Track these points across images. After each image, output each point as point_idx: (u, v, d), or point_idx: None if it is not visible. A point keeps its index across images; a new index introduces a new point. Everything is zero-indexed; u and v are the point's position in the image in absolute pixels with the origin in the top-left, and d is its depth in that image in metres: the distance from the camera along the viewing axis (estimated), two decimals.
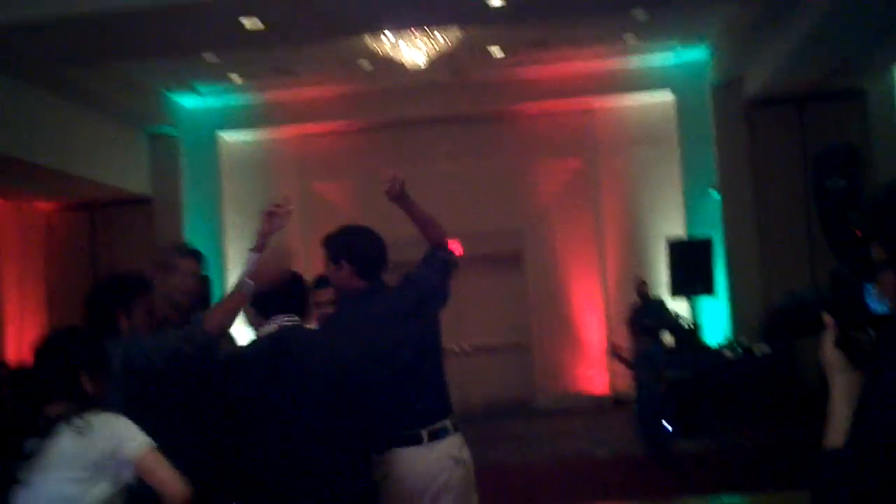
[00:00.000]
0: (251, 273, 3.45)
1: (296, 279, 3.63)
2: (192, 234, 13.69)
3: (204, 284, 4.40)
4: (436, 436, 3.60)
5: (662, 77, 13.39)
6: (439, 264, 3.93)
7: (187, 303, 4.04)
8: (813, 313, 2.00)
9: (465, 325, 12.54)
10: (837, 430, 1.84)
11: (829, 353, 1.95)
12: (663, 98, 13.51)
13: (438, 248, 4.00)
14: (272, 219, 3.78)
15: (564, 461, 10.03)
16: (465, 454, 3.70)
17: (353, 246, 3.79)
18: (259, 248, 3.67)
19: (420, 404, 3.62)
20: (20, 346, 13.06)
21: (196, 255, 4.26)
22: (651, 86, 13.50)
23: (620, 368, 11.84)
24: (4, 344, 12.79)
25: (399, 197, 3.99)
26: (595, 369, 13.54)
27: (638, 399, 9.51)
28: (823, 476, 1.79)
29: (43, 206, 13.94)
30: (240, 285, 3.48)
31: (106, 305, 3.80)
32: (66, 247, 13.93)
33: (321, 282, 4.34)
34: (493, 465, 9.53)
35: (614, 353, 9.52)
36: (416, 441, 3.57)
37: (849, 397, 1.87)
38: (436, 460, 3.57)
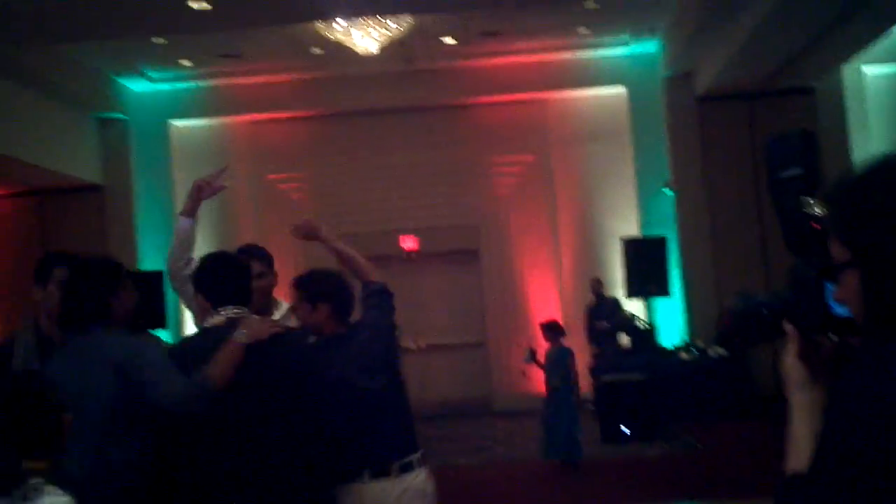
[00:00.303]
0: (248, 335, 3.37)
1: (242, 269, 3.63)
2: (144, 223, 13.44)
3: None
4: (404, 469, 3.65)
5: (615, 71, 13.37)
6: (377, 300, 3.91)
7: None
8: (769, 319, 1.81)
9: (420, 322, 12.40)
10: (799, 454, 1.65)
11: (790, 367, 1.75)
12: (616, 92, 13.48)
13: (369, 283, 3.94)
14: (201, 192, 4.17)
15: (519, 463, 9.92)
16: (431, 487, 3.77)
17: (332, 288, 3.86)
18: (188, 212, 4.13)
19: (390, 438, 3.68)
20: None
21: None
22: (604, 80, 13.48)
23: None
24: None
25: (310, 237, 4.02)
26: None
27: (546, 404, 9.25)
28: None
29: None
30: (236, 337, 3.36)
31: (99, 293, 3.52)
32: (14, 235, 13.60)
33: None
34: (450, 468, 9.42)
35: (531, 356, 9.28)
36: (385, 474, 3.61)
37: (810, 417, 1.69)
38: (403, 493, 3.62)
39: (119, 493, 3.29)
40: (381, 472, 3.60)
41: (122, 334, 3.49)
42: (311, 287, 3.78)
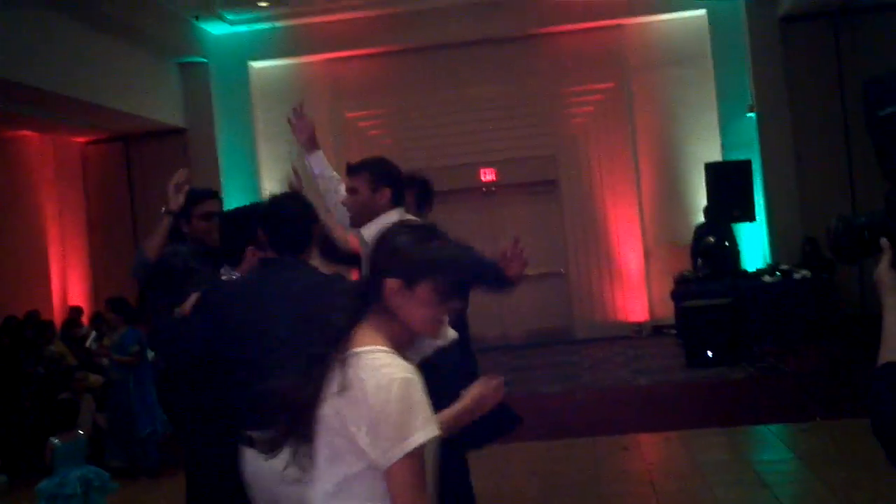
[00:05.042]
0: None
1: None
2: (227, 164, 13.73)
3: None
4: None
5: None
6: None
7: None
8: (868, 237, 2.05)
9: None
10: (891, 347, 1.91)
11: (884, 273, 1.99)
12: (696, 15, 13.24)
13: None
14: (299, 123, 4.61)
15: (605, 390, 10.04)
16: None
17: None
18: (309, 146, 4.62)
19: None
20: (63, 281, 13.22)
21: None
22: (684, 3, 13.24)
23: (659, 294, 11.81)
24: (49, 277, 12.94)
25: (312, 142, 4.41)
26: (633, 296, 13.49)
27: None
28: (881, 389, 1.86)
29: (78, 139, 13.99)
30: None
31: (238, 240, 3.91)
32: (102, 179, 14.03)
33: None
34: (533, 395, 9.57)
35: None
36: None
37: None
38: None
39: None
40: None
41: None
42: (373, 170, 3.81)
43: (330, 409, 2.07)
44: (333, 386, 2.06)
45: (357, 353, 2.08)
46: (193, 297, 3.59)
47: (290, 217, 3.46)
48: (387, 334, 2.13)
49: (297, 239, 3.45)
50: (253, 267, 3.63)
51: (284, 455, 2.57)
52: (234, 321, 3.32)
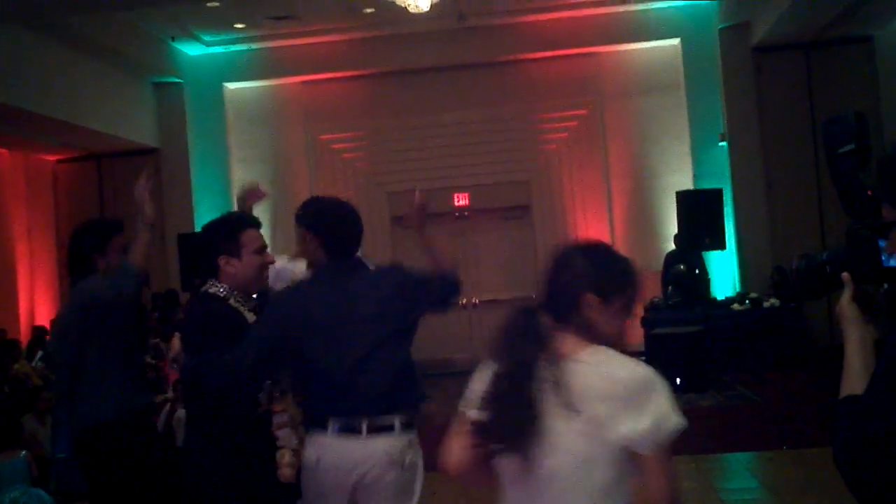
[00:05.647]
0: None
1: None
2: (199, 184, 13.68)
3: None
4: (375, 430, 3.38)
5: (669, 23, 13.25)
6: (437, 287, 3.65)
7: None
8: (830, 273, 2.10)
9: (473, 278, 12.50)
10: (853, 379, 1.95)
11: (846, 306, 2.03)
12: (669, 44, 13.39)
13: (446, 275, 3.66)
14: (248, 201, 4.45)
15: None
16: (409, 458, 3.44)
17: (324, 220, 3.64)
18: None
19: (367, 393, 3.40)
20: (31, 298, 13.10)
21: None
22: (658, 33, 13.38)
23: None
24: (16, 295, 12.82)
25: (421, 224, 3.74)
26: None
27: None
28: (842, 422, 1.88)
29: (49, 157, 13.90)
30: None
31: (85, 250, 4.31)
32: (73, 198, 13.93)
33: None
34: None
35: None
36: (354, 431, 3.37)
37: (863, 349, 1.99)
38: (369, 456, 3.37)
39: None
40: (348, 429, 3.37)
41: None
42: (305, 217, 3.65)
43: (568, 418, 2.15)
44: (560, 393, 2.16)
45: (586, 356, 2.22)
46: (177, 340, 3.90)
47: (348, 220, 3.59)
48: (588, 342, 2.27)
49: (355, 241, 3.61)
50: (318, 271, 3.63)
51: (403, 438, 3.39)
52: (329, 321, 3.43)
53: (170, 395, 8.58)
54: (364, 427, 3.36)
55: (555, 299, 2.36)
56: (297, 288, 3.71)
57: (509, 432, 2.18)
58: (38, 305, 13.23)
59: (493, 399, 2.23)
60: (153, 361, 9.08)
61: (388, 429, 3.39)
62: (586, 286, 2.30)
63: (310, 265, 3.82)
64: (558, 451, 2.15)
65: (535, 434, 2.15)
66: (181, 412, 7.75)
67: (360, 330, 3.43)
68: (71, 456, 7.57)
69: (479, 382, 2.34)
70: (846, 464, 1.84)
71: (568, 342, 2.26)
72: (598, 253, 2.39)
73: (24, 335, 11.95)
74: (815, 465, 6.86)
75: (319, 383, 3.45)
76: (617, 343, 2.31)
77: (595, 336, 2.27)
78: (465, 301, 12.42)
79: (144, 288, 4.46)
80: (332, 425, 3.38)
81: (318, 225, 3.55)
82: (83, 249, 4.34)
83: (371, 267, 3.71)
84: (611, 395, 2.14)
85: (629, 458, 2.14)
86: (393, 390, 3.45)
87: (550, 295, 2.38)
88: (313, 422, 3.46)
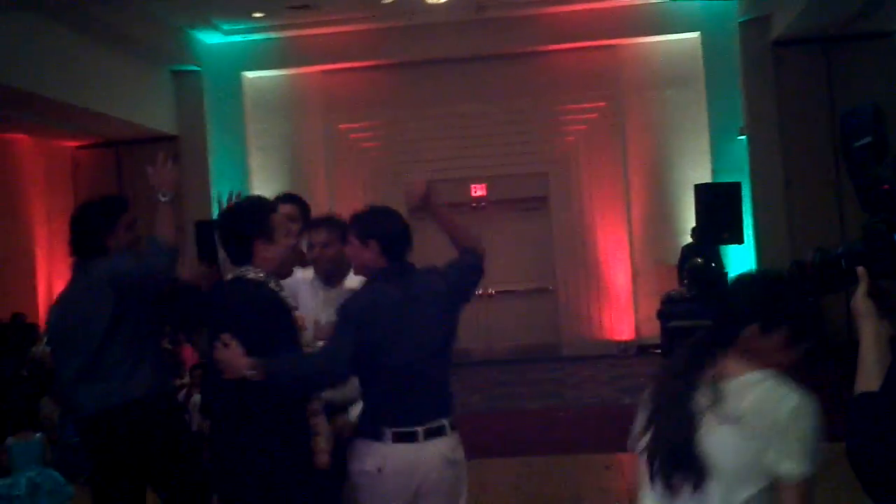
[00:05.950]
0: None
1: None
2: (218, 172, 13.73)
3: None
4: (432, 434, 3.50)
5: (688, 17, 13.18)
6: (466, 268, 3.87)
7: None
8: (846, 268, 2.10)
9: (490, 269, 12.46)
10: (867, 376, 1.95)
11: (861, 302, 2.03)
12: (689, 38, 13.32)
13: (466, 251, 3.90)
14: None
15: (589, 407, 10.03)
16: (459, 455, 3.61)
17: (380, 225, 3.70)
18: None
19: (422, 398, 3.53)
20: (49, 283, 13.19)
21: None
22: (677, 26, 13.31)
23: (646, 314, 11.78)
24: (35, 280, 12.90)
25: (423, 207, 3.86)
26: (620, 315, 13.52)
27: None
28: (856, 419, 1.90)
29: (69, 143, 13.97)
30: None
31: (93, 229, 4.18)
32: (92, 184, 13.96)
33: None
34: (517, 411, 9.56)
35: None
36: (411, 438, 3.47)
37: (877, 344, 1.99)
38: (428, 459, 3.48)
39: None
40: (407, 437, 3.47)
41: None
42: (359, 224, 3.69)
43: (727, 435, 2.21)
44: (719, 409, 2.22)
45: (749, 377, 2.28)
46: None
47: (400, 223, 3.68)
48: (753, 367, 2.31)
49: (409, 242, 3.69)
50: (375, 276, 3.63)
51: (450, 439, 3.53)
52: (398, 323, 3.51)
53: (186, 379, 8.65)
54: (420, 433, 3.47)
55: (719, 323, 2.41)
56: (370, 289, 3.67)
57: (666, 445, 2.28)
58: (56, 290, 13.24)
59: (654, 413, 2.39)
60: (169, 346, 9.13)
61: (441, 431, 3.53)
62: (748, 316, 2.33)
63: (357, 273, 3.83)
64: (710, 464, 2.21)
65: (691, 446, 2.22)
66: (196, 397, 7.81)
67: (423, 331, 3.55)
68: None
69: (643, 416, 2.48)
70: (859, 460, 1.84)
71: (730, 364, 2.31)
72: (769, 284, 2.43)
73: (42, 319, 12.03)
74: (829, 460, 6.83)
75: (385, 383, 3.51)
76: (784, 373, 2.36)
77: (759, 364, 2.31)
78: (480, 291, 12.41)
79: (177, 264, 4.33)
80: (388, 432, 3.47)
81: (380, 232, 3.61)
82: (91, 229, 4.23)
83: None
84: (770, 418, 2.19)
85: (773, 483, 2.19)
86: (442, 393, 3.61)
87: (716, 318, 2.44)
88: (367, 430, 3.53)
